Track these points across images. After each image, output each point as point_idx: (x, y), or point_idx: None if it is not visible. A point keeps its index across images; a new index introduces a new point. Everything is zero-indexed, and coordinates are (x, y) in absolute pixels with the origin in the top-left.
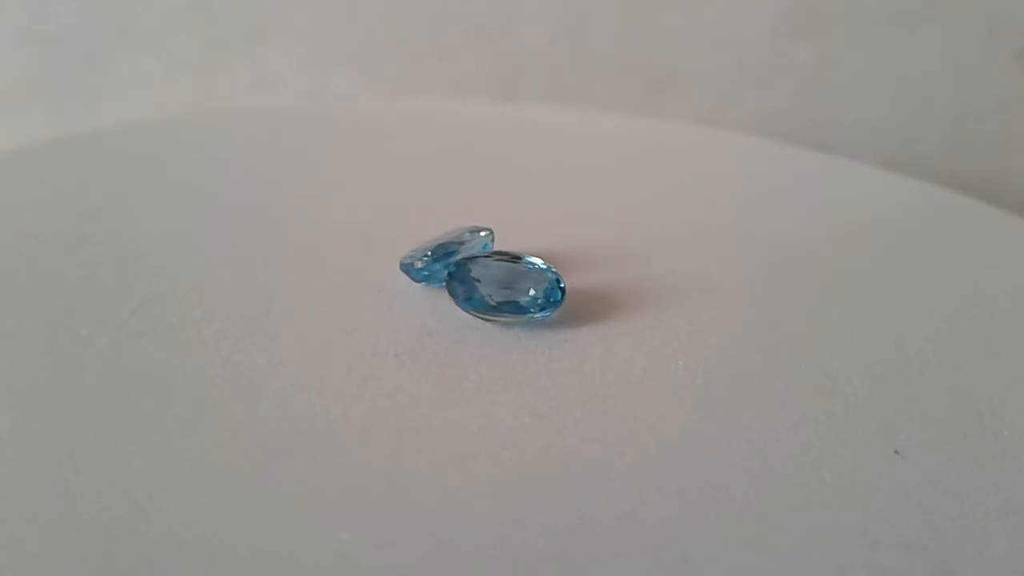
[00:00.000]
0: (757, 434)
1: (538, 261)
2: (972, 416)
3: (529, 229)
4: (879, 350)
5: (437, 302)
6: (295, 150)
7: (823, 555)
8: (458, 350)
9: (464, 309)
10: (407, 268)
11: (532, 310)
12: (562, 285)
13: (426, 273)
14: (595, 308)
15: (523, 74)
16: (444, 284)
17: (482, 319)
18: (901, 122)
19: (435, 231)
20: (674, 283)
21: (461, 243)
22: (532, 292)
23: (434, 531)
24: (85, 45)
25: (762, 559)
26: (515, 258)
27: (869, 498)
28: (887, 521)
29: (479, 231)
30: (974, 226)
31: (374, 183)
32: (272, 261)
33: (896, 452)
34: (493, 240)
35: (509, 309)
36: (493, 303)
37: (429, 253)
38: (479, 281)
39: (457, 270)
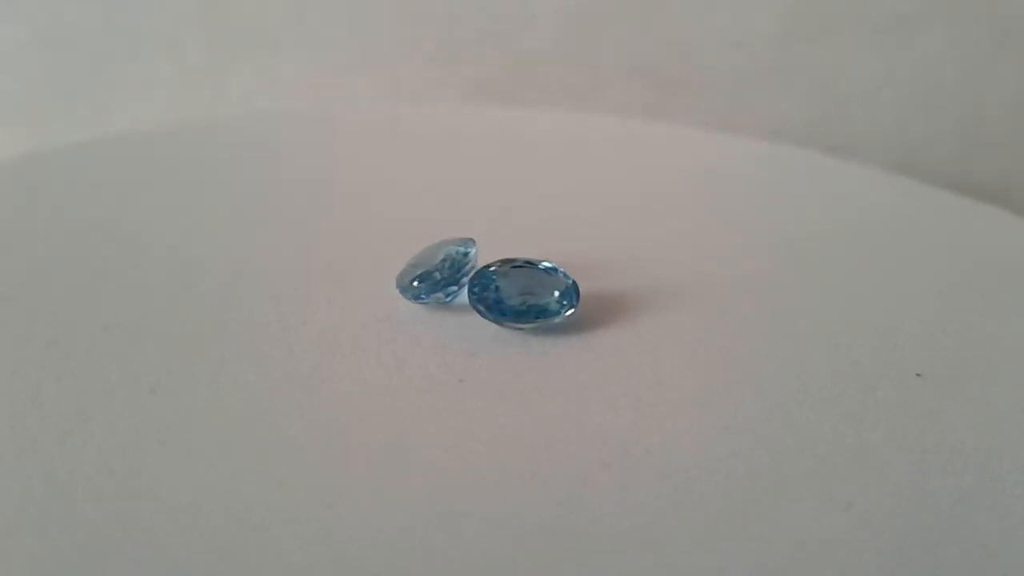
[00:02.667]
0: (813, 385)
1: (547, 263)
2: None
3: (537, 233)
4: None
5: (446, 319)
6: (305, 156)
7: (890, 461)
8: (511, 365)
9: (497, 322)
10: (411, 291)
11: (557, 312)
12: (571, 281)
13: (438, 294)
14: (612, 309)
15: (532, 78)
16: (447, 301)
17: (512, 328)
18: (909, 125)
19: (438, 238)
20: (688, 283)
21: (453, 257)
22: (556, 294)
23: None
24: (97, 50)
25: (859, 462)
26: (526, 263)
27: (911, 414)
28: (936, 426)
29: (463, 242)
30: (981, 229)
31: (381, 189)
32: (279, 280)
33: (918, 375)
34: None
35: (535, 314)
36: (524, 308)
37: (436, 274)
38: (502, 291)
39: (479, 284)
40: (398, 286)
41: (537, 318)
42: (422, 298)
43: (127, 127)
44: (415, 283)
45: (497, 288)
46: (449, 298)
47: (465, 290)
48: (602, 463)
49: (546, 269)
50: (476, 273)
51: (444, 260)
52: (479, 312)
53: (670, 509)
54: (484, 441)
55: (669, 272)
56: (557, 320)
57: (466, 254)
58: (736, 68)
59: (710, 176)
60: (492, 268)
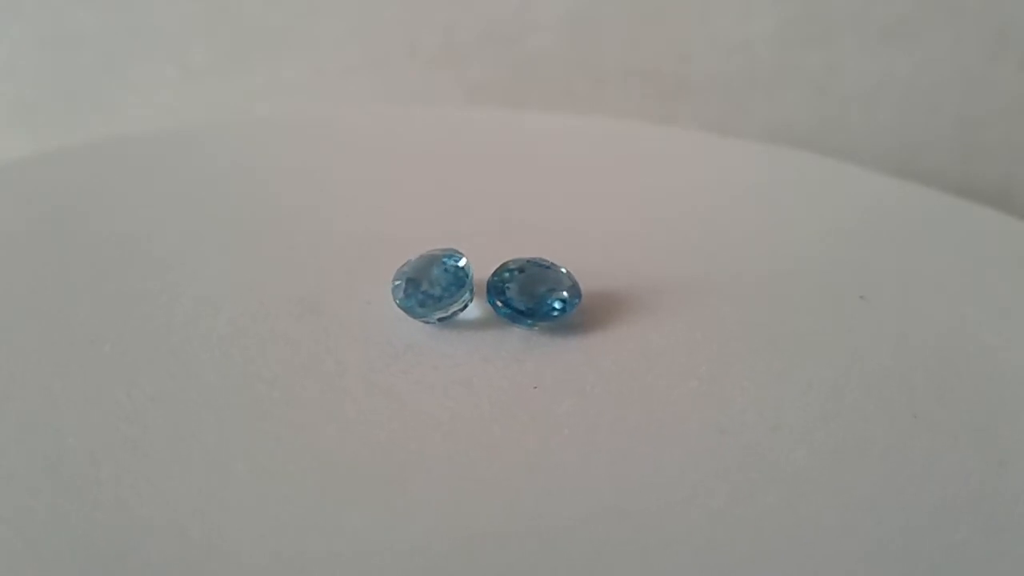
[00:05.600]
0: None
1: (544, 261)
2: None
3: (539, 234)
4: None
5: (462, 333)
6: (308, 158)
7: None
8: (559, 364)
9: (520, 324)
10: (420, 313)
11: (572, 306)
12: (564, 271)
13: (454, 307)
14: (614, 306)
15: (535, 81)
16: (458, 315)
17: (528, 328)
18: (909, 128)
19: (439, 240)
20: (692, 284)
21: (453, 272)
22: (565, 292)
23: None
24: (100, 53)
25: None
26: (528, 263)
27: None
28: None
29: (450, 254)
30: (981, 232)
31: (382, 193)
32: (281, 303)
33: (861, 297)
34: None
35: (548, 312)
36: (541, 307)
37: (442, 293)
38: (521, 292)
39: (498, 288)
40: (403, 307)
41: (549, 316)
42: (429, 317)
43: (130, 129)
44: (422, 306)
45: (517, 290)
46: (460, 313)
47: (469, 303)
48: (720, 430)
49: (547, 266)
50: (494, 279)
51: (442, 277)
52: (506, 316)
53: (792, 455)
54: (607, 436)
55: (671, 273)
56: (569, 316)
57: (464, 268)
58: (736, 71)
59: (712, 178)
60: (506, 271)
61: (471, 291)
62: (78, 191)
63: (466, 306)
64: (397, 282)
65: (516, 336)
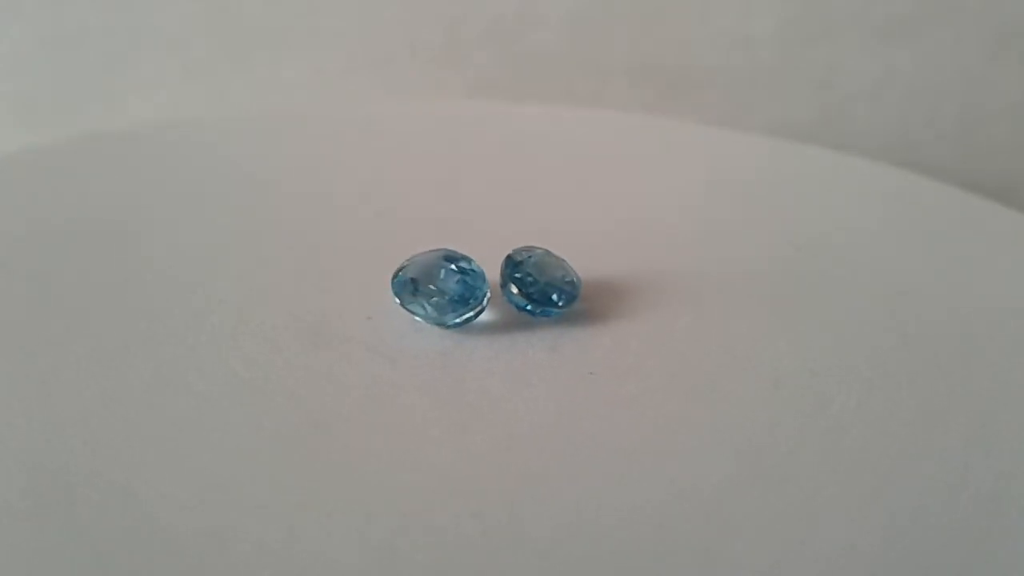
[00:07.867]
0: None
1: (539, 248)
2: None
3: (543, 227)
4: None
5: (485, 332)
6: (308, 154)
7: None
8: (598, 352)
9: (535, 314)
10: (445, 320)
11: (574, 296)
12: (549, 255)
13: (472, 312)
14: (617, 298)
15: (537, 79)
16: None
17: (543, 317)
18: (910, 126)
19: (441, 237)
20: (695, 273)
21: (468, 276)
22: (571, 279)
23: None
24: (101, 50)
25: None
26: (532, 251)
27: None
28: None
29: (451, 255)
30: (986, 226)
31: (383, 190)
32: (287, 316)
33: (796, 249)
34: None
35: (555, 300)
36: (551, 296)
37: (459, 298)
38: (536, 283)
39: (514, 282)
40: (422, 315)
41: (558, 304)
42: (448, 322)
43: (132, 125)
44: (437, 310)
45: (531, 280)
46: (476, 317)
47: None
48: (774, 382)
49: (545, 254)
50: (507, 271)
51: (455, 280)
52: (521, 307)
53: (841, 397)
54: (686, 408)
55: (674, 262)
56: (575, 305)
57: (479, 271)
58: (738, 68)
59: (716, 171)
60: (517, 262)
61: (489, 291)
62: (78, 188)
63: (483, 308)
64: (402, 290)
65: (536, 328)
